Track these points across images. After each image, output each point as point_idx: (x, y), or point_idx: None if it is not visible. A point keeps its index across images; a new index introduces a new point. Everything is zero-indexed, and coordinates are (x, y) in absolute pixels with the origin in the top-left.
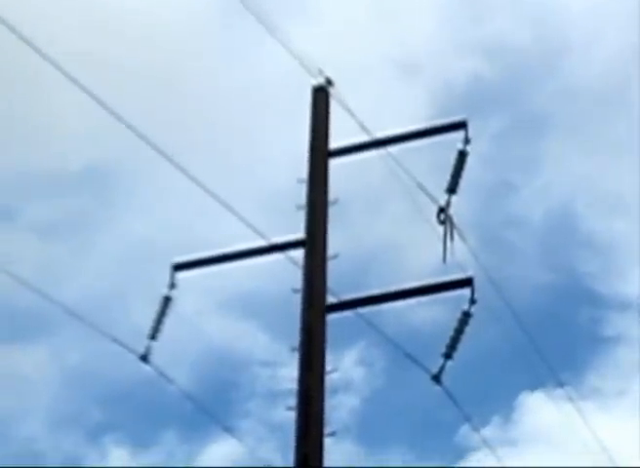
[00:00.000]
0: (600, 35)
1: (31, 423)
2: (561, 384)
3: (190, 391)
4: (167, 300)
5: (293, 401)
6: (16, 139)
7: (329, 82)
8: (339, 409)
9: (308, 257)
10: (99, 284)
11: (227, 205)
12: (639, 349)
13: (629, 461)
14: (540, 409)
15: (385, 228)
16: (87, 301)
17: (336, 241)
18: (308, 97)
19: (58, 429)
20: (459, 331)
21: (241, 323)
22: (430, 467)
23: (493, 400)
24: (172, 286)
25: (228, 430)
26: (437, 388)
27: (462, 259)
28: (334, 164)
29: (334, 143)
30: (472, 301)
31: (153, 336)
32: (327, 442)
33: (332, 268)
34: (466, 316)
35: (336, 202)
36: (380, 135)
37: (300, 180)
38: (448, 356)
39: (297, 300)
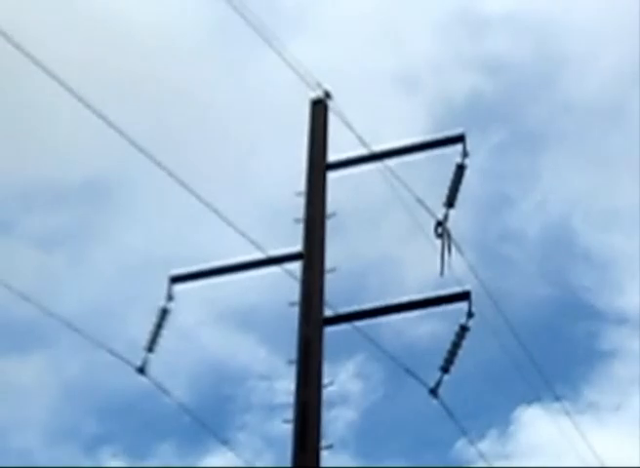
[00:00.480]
0: (598, 51)
1: (28, 435)
2: (558, 398)
3: (187, 403)
4: (164, 313)
5: (290, 414)
6: (15, 151)
7: (327, 95)
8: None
9: (306, 270)
10: (96, 296)
11: (225, 217)
12: (636, 363)
13: None
14: (536, 424)
15: (383, 242)
16: (84, 313)
17: (333, 254)
18: (307, 110)
19: (54, 441)
20: (456, 345)
21: (238, 335)
22: (428, 467)
23: (489, 414)
24: (169, 298)
25: (225, 443)
26: (434, 402)
27: (460, 273)
28: (332, 177)
29: (332, 156)
30: (470, 315)
31: (150, 349)
32: (324, 455)
33: (329, 281)
34: (464, 330)
35: (333, 215)
36: (379, 148)
37: (297, 193)
38: (445, 370)
39: (294, 313)
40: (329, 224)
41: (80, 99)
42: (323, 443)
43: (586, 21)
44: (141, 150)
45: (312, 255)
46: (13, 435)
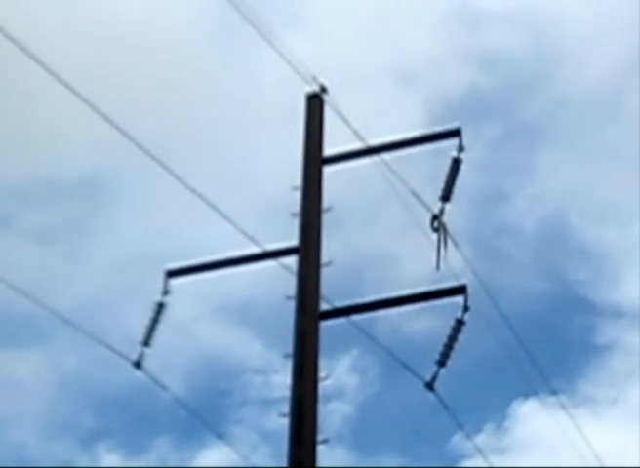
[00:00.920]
0: (594, 46)
1: (24, 429)
2: (554, 392)
3: (183, 398)
4: (160, 307)
5: (286, 408)
6: (12, 147)
7: (323, 89)
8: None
9: (302, 265)
10: (93, 290)
11: (221, 212)
12: (632, 357)
13: None
14: (532, 417)
15: (379, 236)
16: (81, 308)
17: (329, 248)
18: (303, 105)
19: (50, 435)
20: (452, 339)
21: (234, 329)
22: (424, 467)
23: (486, 407)
24: (165, 292)
25: (221, 437)
26: (430, 396)
27: (456, 267)
28: (328, 171)
29: (328, 151)
30: (466, 309)
31: (146, 343)
32: (320, 449)
33: (325, 275)
34: (460, 323)
35: (329, 209)
36: (375, 142)
37: (293, 187)
38: (441, 363)
39: (290, 307)
40: (325, 218)
41: (77, 95)
42: (319, 437)
43: (582, 17)
44: (138, 145)
45: (308, 250)
46: (9, 429)
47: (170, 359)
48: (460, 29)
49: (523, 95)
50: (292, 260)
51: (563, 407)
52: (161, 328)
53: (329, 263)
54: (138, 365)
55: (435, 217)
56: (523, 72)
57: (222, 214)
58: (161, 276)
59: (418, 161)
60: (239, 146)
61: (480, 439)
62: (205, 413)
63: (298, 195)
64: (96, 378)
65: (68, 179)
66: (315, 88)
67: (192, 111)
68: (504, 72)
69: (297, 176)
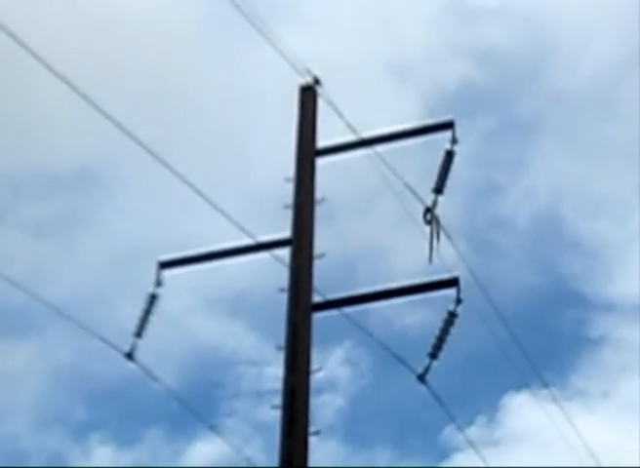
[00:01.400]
0: (588, 40)
1: (17, 421)
2: (546, 385)
3: (175, 389)
4: (153, 298)
5: (278, 400)
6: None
7: (317, 81)
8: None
9: (295, 257)
10: (87, 282)
11: (214, 203)
12: (624, 350)
13: (614, 462)
14: (524, 410)
15: (372, 228)
16: (75, 299)
17: (322, 240)
18: (297, 97)
19: (43, 427)
20: (444, 332)
21: (227, 321)
22: (417, 467)
23: (478, 400)
24: (158, 283)
25: (213, 429)
26: (422, 388)
27: (449, 260)
28: (321, 163)
29: (321, 143)
30: (458, 301)
31: (139, 334)
32: (312, 441)
33: (318, 267)
34: (452, 316)
35: (323, 201)
36: (368, 134)
37: (287, 179)
38: (433, 356)
39: (283, 299)
40: (318, 210)
41: (71, 87)
42: (311, 429)
43: (577, 12)
44: (132, 138)
45: (301, 242)
46: (2, 420)
47: (162, 350)
48: (455, 23)
49: (517, 89)
50: (285, 252)
51: (555, 400)
52: (154, 319)
53: (322, 255)
54: (130, 356)
55: (428, 210)
56: (518, 66)
57: (216, 206)
58: (154, 267)
59: (411, 153)
60: (232, 138)
61: (472, 431)
62: (197, 405)
63: (291, 187)
64: (88, 370)
65: (63, 172)
66: (308, 80)
67: (186, 103)
68: (499, 66)
69: (290, 168)
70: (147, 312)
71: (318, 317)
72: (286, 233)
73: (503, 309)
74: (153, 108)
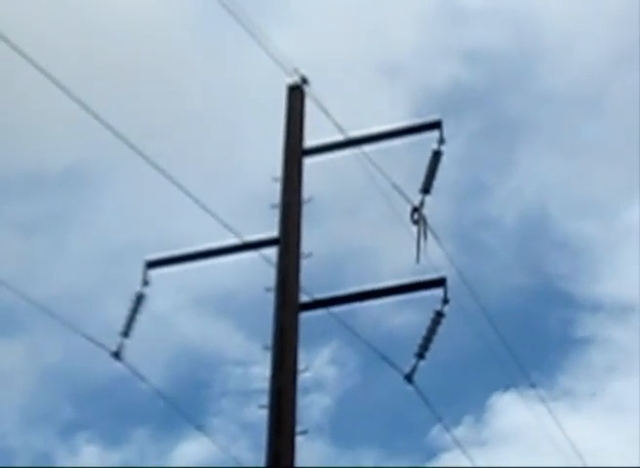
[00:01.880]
0: (576, 41)
1: (3, 419)
2: (533, 385)
3: (162, 389)
4: (140, 298)
5: (265, 399)
6: None
7: (304, 81)
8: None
9: (282, 256)
10: (74, 281)
11: (202, 203)
12: (611, 351)
13: (600, 462)
14: (511, 410)
15: (359, 228)
16: (62, 298)
17: (309, 240)
18: (284, 96)
19: (29, 426)
20: (431, 331)
21: (214, 321)
22: (404, 467)
23: (465, 400)
24: (145, 283)
25: (200, 428)
26: (409, 388)
27: (436, 260)
28: (308, 163)
29: (309, 142)
30: (445, 301)
31: (126, 334)
32: (299, 440)
33: (305, 267)
34: (439, 316)
35: (310, 201)
36: (355, 134)
37: (274, 179)
38: (420, 356)
39: (270, 299)
40: (305, 210)
41: (61, 88)
42: (298, 428)
43: (565, 13)
44: (120, 137)
45: (288, 241)
46: None
47: (149, 350)
48: (444, 23)
49: (505, 89)
50: (272, 252)
51: (542, 400)
52: (141, 319)
53: (309, 255)
54: (117, 355)
55: (415, 210)
56: (506, 67)
57: (203, 206)
58: (141, 267)
59: (398, 153)
60: (220, 138)
61: (459, 431)
62: (184, 405)
63: (278, 186)
64: (75, 369)
65: (52, 172)
66: (296, 79)
67: (174, 103)
68: (487, 67)
69: (277, 168)
70: (134, 311)
71: (305, 316)
72: (273, 233)
73: (491, 309)
74: (141, 109)
